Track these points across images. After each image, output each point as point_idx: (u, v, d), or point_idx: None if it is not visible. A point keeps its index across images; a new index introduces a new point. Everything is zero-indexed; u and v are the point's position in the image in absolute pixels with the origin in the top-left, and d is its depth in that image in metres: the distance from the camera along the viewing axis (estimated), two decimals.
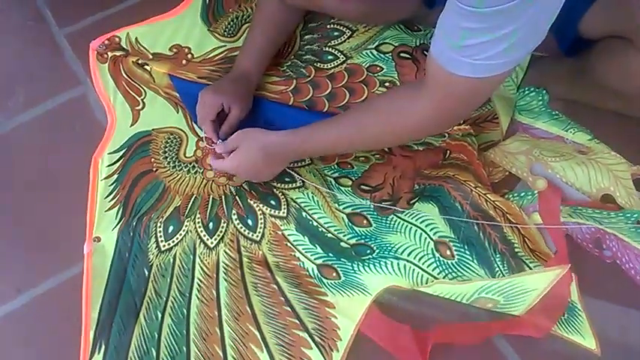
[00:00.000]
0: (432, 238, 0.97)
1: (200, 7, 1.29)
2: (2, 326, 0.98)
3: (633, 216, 0.96)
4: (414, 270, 0.95)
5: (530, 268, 0.93)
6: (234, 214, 1.04)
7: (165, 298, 0.96)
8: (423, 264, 0.96)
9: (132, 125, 1.15)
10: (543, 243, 0.97)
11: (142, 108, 1.17)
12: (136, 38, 1.23)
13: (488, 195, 0.99)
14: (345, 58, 1.21)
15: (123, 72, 1.20)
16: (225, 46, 1.24)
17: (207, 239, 1.01)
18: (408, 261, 0.96)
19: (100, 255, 1.00)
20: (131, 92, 1.18)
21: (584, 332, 0.91)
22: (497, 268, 0.94)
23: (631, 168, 1.00)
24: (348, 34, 1.24)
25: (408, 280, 0.95)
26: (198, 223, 1.03)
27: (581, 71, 1.02)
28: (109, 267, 0.99)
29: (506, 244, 0.96)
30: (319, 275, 0.98)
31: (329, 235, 1.01)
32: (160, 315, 0.95)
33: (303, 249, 1.00)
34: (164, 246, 1.01)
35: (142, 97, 1.18)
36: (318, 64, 1.21)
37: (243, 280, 0.98)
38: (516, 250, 0.95)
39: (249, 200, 1.05)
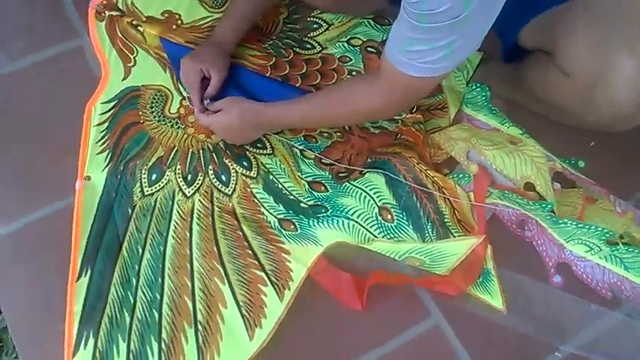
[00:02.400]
0: (377, 204, 1.14)
1: None
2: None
3: (548, 206, 1.15)
4: (359, 230, 1.13)
5: (454, 237, 1.11)
6: (210, 170, 1.19)
7: (144, 235, 1.11)
8: (367, 225, 1.13)
9: (123, 80, 1.28)
10: (470, 215, 1.16)
11: (134, 65, 1.30)
12: (132, 1, 1.35)
13: (428, 171, 1.17)
14: (320, 48, 1.37)
15: (118, 31, 1.32)
16: (212, 16, 1.38)
17: (185, 189, 1.17)
18: (355, 221, 1.13)
19: (89, 191, 1.14)
20: (124, 50, 1.31)
21: (494, 293, 1.10)
22: (427, 234, 1.12)
23: (548, 162, 1.18)
24: (325, 27, 1.39)
25: (354, 237, 1.12)
26: (179, 174, 1.18)
27: (516, 76, 1.19)
28: (97, 202, 1.14)
29: (438, 215, 1.14)
30: (279, 227, 1.14)
31: (291, 197, 1.17)
32: (140, 249, 1.10)
33: (268, 206, 1.16)
34: (147, 191, 1.16)
35: (134, 55, 1.31)
36: (297, 49, 1.36)
37: (213, 225, 1.13)
38: (445, 220, 1.14)
39: (224, 159, 1.20)
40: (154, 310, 1.05)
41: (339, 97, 1.08)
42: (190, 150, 1.21)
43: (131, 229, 1.12)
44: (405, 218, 1.13)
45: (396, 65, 0.91)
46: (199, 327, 1.04)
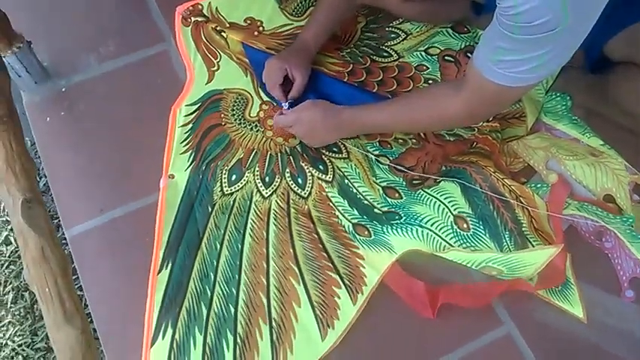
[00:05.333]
0: (452, 213, 1.14)
1: None
2: (86, 238, 1.17)
3: (629, 220, 1.12)
4: (434, 238, 1.13)
5: (533, 246, 1.10)
6: (287, 172, 1.22)
7: (223, 231, 1.15)
8: (442, 233, 1.13)
9: (207, 83, 1.33)
10: (547, 225, 1.14)
11: (217, 69, 1.35)
12: (217, 8, 1.41)
13: (505, 180, 1.16)
14: (397, 57, 1.39)
15: (203, 36, 1.38)
16: (292, 24, 1.42)
17: (263, 190, 1.20)
18: (430, 230, 1.14)
19: (172, 189, 1.19)
20: (208, 55, 1.36)
21: (574, 302, 1.09)
22: (505, 243, 1.11)
23: (631, 175, 1.15)
24: (403, 37, 1.42)
25: (428, 246, 1.13)
26: (257, 175, 1.21)
27: (600, 86, 1.17)
28: (180, 200, 1.18)
29: (516, 224, 1.13)
30: (354, 232, 1.15)
31: (365, 201, 1.19)
32: (218, 246, 1.14)
33: (342, 209, 1.18)
34: (227, 190, 1.20)
35: (218, 60, 1.36)
36: (374, 57, 1.39)
37: (289, 227, 1.16)
38: (524, 229, 1.12)
39: (301, 162, 1.23)
40: (230, 305, 1.08)
41: (422, 103, 1.09)
42: (269, 152, 1.25)
43: (210, 225, 1.16)
44: (481, 227, 1.13)
45: (484, 74, 0.91)
46: (274, 324, 1.07)
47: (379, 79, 1.35)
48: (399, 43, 1.41)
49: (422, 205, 1.17)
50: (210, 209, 1.17)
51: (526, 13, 0.78)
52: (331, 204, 1.19)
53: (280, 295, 1.09)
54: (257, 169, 1.22)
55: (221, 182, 1.21)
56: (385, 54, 1.40)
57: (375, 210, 1.18)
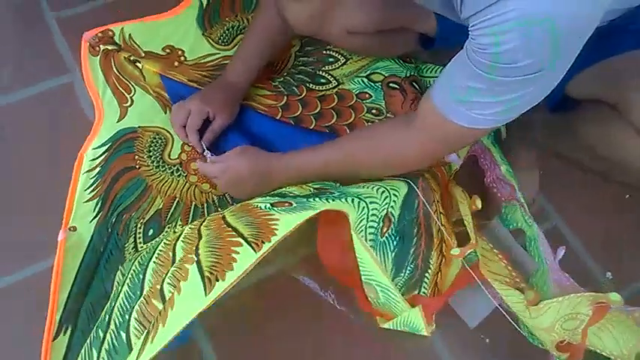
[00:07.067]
0: (389, 206, 0.97)
1: (197, 12, 1.30)
2: None
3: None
4: (365, 213, 0.93)
5: (424, 294, 0.99)
6: None
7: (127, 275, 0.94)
8: (370, 218, 0.94)
9: (119, 121, 1.15)
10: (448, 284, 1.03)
11: (130, 105, 1.17)
12: (130, 35, 1.23)
13: (441, 215, 1.04)
14: (337, 83, 1.25)
15: (114, 67, 1.20)
16: (218, 53, 1.26)
17: None
18: (366, 204, 0.94)
19: (73, 244, 0.99)
20: (120, 88, 1.18)
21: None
22: (401, 274, 0.97)
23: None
24: (342, 61, 1.28)
25: (355, 213, 0.92)
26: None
27: (561, 124, 1.07)
28: (82, 257, 0.99)
29: (424, 263, 1.00)
30: (270, 206, 0.91)
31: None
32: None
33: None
34: (142, 248, 1.01)
35: (131, 95, 1.18)
36: (310, 84, 1.24)
37: (198, 231, 0.92)
38: (426, 273, 1.00)
39: None
40: None
41: (366, 145, 0.96)
42: (193, 203, 1.08)
43: (117, 279, 0.96)
44: (393, 242, 0.97)
45: (447, 114, 0.81)
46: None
47: (317, 111, 1.21)
48: (337, 68, 1.27)
49: (363, 187, 0.97)
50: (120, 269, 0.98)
51: (509, 53, 0.67)
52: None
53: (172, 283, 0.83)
54: (180, 222, 1.05)
55: (135, 238, 1.02)
56: (323, 80, 1.26)
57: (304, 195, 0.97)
